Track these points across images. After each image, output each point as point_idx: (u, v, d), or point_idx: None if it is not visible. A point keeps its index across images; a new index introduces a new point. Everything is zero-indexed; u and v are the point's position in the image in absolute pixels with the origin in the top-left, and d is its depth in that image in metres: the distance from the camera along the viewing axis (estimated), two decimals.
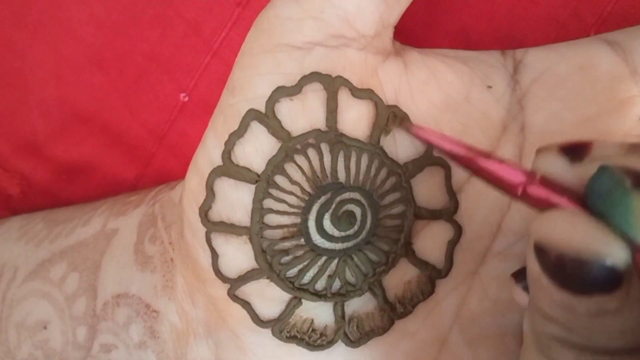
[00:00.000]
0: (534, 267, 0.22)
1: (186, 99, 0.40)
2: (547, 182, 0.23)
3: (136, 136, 0.41)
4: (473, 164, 0.24)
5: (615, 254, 0.20)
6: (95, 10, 0.40)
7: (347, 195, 0.30)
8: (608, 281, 0.20)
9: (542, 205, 0.23)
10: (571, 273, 0.21)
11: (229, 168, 0.30)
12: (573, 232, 0.21)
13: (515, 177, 0.23)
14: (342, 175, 0.30)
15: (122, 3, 0.39)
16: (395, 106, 0.30)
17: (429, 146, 0.27)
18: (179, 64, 0.40)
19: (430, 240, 0.31)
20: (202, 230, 0.31)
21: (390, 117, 0.30)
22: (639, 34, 0.31)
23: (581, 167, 0.23)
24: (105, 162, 0.43)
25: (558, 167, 0.23)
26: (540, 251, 0.21)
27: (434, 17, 0.36)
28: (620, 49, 0.30)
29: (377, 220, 0.30)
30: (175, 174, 0.41)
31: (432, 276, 0.31)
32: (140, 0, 0.39)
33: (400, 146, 0.30)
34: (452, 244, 0.31)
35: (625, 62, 0.30)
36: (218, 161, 0.30)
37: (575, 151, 0.23)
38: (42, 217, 0.42)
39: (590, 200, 0.22)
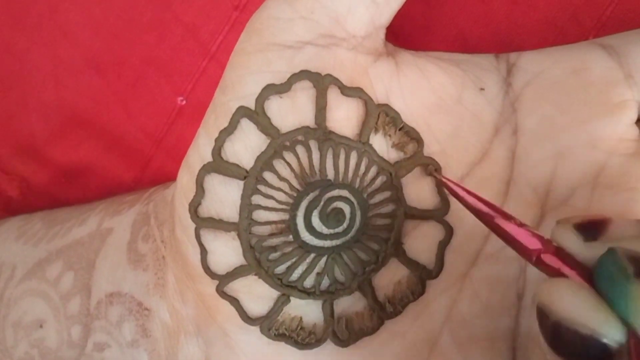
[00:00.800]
0: (533, 325, 0.23)
1: (184, 102, 0.40)
2: (560, 253, 0.24)
3: (134, 139, 0.42)
4: (493, 222, 0.26)
5: (611, 333, 0.21)
6: (93, 13, 0.40)
7: (335, 192, 0.30)
8: (600, 357, 0.21)
9: (553, 273, 0.24)
10: (567, 342, 0.22)
11: (218, 164, 0.30)
12: (575, 304, 0.22)
13: (532, 243, 0.25)
14: (330, 173, 0.30)
15: (120, 7, 0.40)
16: (386, 105, 0.30)
17: (455, 197, 0.29)
18: (177, 67, 0.40)
19: (421, 241, 0.31)
20: (192, 226, 0.31)
21: (384, 124, 0.30)
22: (634, 38, 0.31)
23: (595, 246, 0.24)
24: (103, 165, 0.43)
25: (573, 243, 0.24)
26: (542, 314, 0.23)
27: (431, 22, 0.36)
28: (614, 53, 0.30)
29: (367, 218, 0.30)
30: (173, 177, 0.41)
31: (423, 277, 0.31)
32: (138, 4, 0.40)
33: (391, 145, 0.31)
34: (443, 245, 0.31)
35: (620, 66, 0.30)
36: (208, 158, 0.30)
37: (591, 229, 0.24)
38: (40, 217, 0.42)
39: (596, 279, 0.23)
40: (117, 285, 0.36)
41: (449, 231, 0.31)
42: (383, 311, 0.31)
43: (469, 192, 0.27)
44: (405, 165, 0.31)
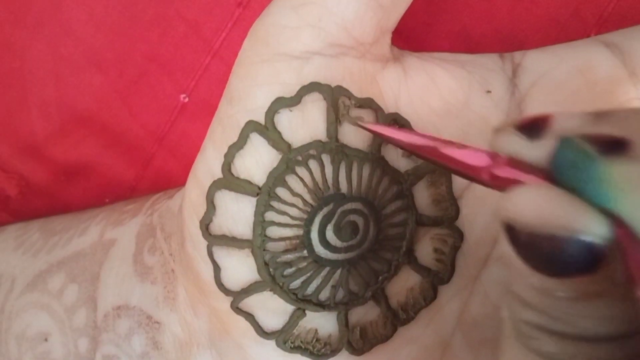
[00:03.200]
0: (506, 249, 0.20)
1: (186, 99, 0.40)
2: (512, 162, 0.21)
3: (136, 137, 0.41)
4: (434, 153, 0.23)
5: (593, 228, 0.18)
6: (95, 10, 0.39)
7: (349, 205, 0.30)
8: (587, 260, 0.18)
9: (512, 187, 0.21)
10: (545, 253, 0.19)
11: (229, 181, 0.29)
12: (544, 207, 0.19)
13: (479, 161, 0.22)
14: (344, 186, 0.29)
15: (122, 3, 0.39)
16: (396, 113, 0.30)
17: (387, 140, 0.26)
18: (179, 64, 0.39)
19: (432, 247, 0.31)
20: (204, 243, 0.30)
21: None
22: (637, 34, 0.31)
23: (542, 144, 0.20)
24: (104, 163, 0.42)
25: (518, 146, 0.21)
26: (511, 231, 0.19)
27: (434, 18, 0.36)
28: (618, 51, 0.30)
29: (380, 229, 0.30)
30: (174, 175, 0.41)
31: (434, 282, 0.31)
32: (140, 1, 0.39)
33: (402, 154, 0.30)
34: (454, 250, 0.31)
35: (624, 64, 0.30)
36: (218, 173, 0.30)
37: (533, 128, 0.21)
38: (38, 227, 0.42)
39: (558, 175, 0.19)
40: (124, 298, 0.35)
41: (459, 236, 0.31)
42: (396, 318, 0.31)
43: (398, 131, 0.25)
44: (416, 173, 0.30)
